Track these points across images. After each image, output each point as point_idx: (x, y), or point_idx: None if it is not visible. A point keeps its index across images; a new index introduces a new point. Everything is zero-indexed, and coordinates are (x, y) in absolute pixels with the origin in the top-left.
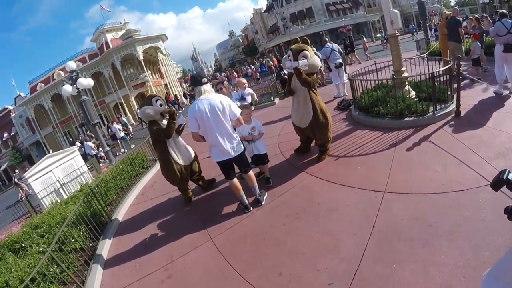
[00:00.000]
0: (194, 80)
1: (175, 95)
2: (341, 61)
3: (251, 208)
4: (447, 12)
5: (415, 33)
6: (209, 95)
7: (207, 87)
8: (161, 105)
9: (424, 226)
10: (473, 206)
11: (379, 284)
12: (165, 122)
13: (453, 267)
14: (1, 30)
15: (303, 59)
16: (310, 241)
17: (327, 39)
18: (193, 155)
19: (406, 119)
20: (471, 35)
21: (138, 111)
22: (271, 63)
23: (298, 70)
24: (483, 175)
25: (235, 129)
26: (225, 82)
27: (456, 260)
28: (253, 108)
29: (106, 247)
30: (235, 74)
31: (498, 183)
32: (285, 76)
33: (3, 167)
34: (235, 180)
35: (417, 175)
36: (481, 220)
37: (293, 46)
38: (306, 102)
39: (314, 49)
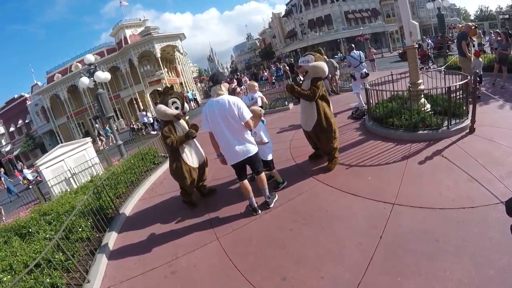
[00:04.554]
0: (211, 79)
1: (192, 92)
2: (366, 71)
3: (260, 211)
4: (459, 26)
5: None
6: (221, 96)
7: (222, 88)
8: (177, 108)
9: (431, 240)
10: (481, 224)
11: None
12: (180, 123)
13: (458, 283)
14: (19, 21)
15: (304, 60)
16: (316, 248)
17: (353, 46)
18: (204, 157)
19: (420, 132)
20: (475, 52)
21: (141, 113)
22: (287, 67)
23: (289, 86)
24: (494, 193)
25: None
26: (237, 89)
27: (461, 277)
28: (263, 112)
29: (112, 239)
30: (246, 78)
31: None
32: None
33: (15, 153)
34: (246, 181)
35: (427, 189)
36: (488, 238)
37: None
38: (311, 105)
39: (332, 57)
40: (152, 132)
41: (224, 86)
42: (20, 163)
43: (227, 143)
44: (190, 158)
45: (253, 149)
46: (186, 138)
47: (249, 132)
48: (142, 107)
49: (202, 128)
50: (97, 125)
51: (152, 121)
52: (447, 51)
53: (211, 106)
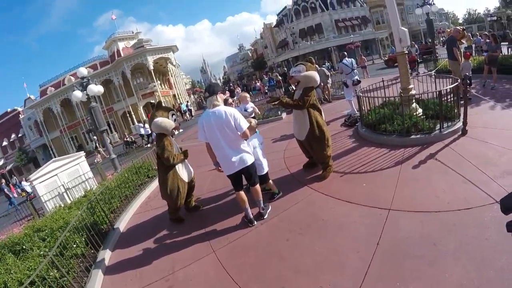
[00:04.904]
0: (208, 90)
1: (186, 103)
2: (358, 78)
3: (255, 222)
4: (448, 30)
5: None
6: (217, 107)
7: (218, 98)
8: (175, 120)
9: (429, 244)
10: (478, 225)
11: None
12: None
13: (457, 286)
14: (11, 33)
15: (295, 70)
16: (314, 257)
17: (345, 53)
18: (192, 172)
19: (413, 136)
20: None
21: (138, 124)
22: (280, 77)
23: (276, 99)
24: (489, 194)
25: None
26: (229, 100)
27: (460, 279)
28: (256, 123)
29: (107, 255)
30: (239, 89)
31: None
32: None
33: (8, 168)
34: (242, 192)
35: (423, 192)
36: (486, 239)
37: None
38: (303, 114)
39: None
40: (148, 145)
41: (220, 97)
42: (15, 177)
43: (223, 154)
44: (183, 173)
45: (250, 159)
46: (185, 156)
47: (245, 142)
48: (135, 120)
49: (199, 139)
50: (95, 137)
51: (150, 131)
52: (436, 55)
53: (208, 117)
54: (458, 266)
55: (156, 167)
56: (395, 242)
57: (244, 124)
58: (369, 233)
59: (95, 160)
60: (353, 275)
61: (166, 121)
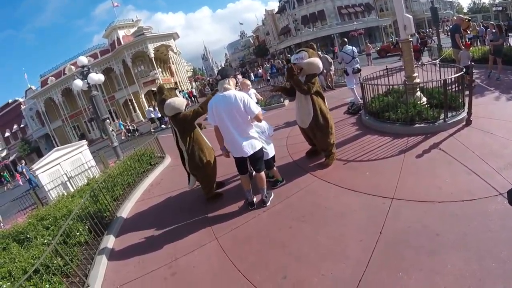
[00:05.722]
0: (220, 73)
1: (190, 90)
2: (359, 66)
3: (255, 206)
4: (454, 18)
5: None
6: (229, 90)
7: (230, 82)
8: (183, 96)
9: (432, 234)
10: (481, 216)
11: None
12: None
13: (459, 277)
14: (10, 27)
15: (298, 57)
16: (316, 245)
17: (346, 40)
18: None
19: (417, 125)
20: (466, 43)
21: (149, 108)
22: (281, 64)
23: (290, 70)
24: (492, 185)
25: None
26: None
27: (462, 271)
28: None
29: (110, 242)
30: (240, 76)
31: None
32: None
33: (11, 158)
34: (246, 175)
35: (426, 182)
36: (489, 231)
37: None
38: (307, 102)
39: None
40: (163, 126)
41: (232, 81)
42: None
43: (232, 138)
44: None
45: (258, 145)
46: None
47: (254, 128)
48: (137, 108)
49: (208, 121)
50: (107, 121)
51: (160, 115)
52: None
53: (218, 100)
54: (460, 258)
55: (180, 148)
56: (398, 232)
57: (255, 108)
58: (372, 222)
59: (122, 137)
60: (355, 264)
61: (177, 100)
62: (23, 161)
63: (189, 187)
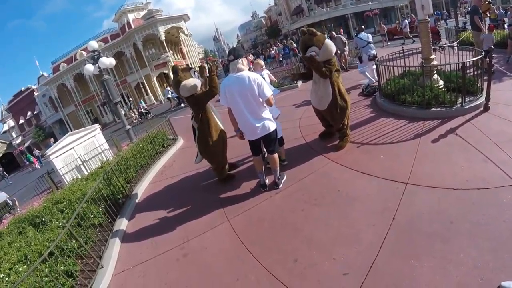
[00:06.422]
0: (232, 53)
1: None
2: (375, 52)
3: (268, 187)
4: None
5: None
6: (242, 72)
7: (244, 62)
8: (198, 76)
9: (446, 222)
10: (496, 206)
11: (395, 278)
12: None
13: (472, 267)
14: (20, 16)
15: (312, 52)
16: (328, 229)
17: (363, 27)
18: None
19: (433, 109)
20: (488, 26)
21: (167, 89)
22: (294, 45)
23: (312, 59)
24: (509, 175)
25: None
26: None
27: (475, 261)
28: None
29: (123, 224)
30: (251, 57)
31: None
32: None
33: (26, 144)
34: (259, 157)
35: (441, 168)
36: (504, 221)
37: (302, 38)
38: (326, 84)
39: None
40: (182, 105)
41: (245, 61)
42: (36, 150)
43: (245, 120)
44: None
45: (272, 126)
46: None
47: (267, 109)
48: (149, 91)
49: (221, 103)
50: (130, 99)
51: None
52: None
53: (230, 81)
54: (474, 247)
55: (193, 126)
56: (411, 218)
57: (268, 91)
58: (385, 207)
59: (133, 120)
60: (367, 249)
61: (191, 81)
62: (37, 151)
63: (195, 162)
